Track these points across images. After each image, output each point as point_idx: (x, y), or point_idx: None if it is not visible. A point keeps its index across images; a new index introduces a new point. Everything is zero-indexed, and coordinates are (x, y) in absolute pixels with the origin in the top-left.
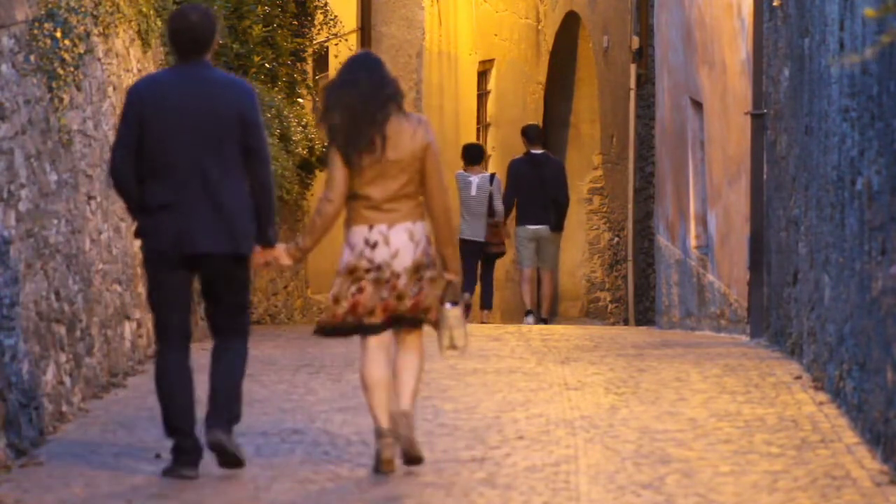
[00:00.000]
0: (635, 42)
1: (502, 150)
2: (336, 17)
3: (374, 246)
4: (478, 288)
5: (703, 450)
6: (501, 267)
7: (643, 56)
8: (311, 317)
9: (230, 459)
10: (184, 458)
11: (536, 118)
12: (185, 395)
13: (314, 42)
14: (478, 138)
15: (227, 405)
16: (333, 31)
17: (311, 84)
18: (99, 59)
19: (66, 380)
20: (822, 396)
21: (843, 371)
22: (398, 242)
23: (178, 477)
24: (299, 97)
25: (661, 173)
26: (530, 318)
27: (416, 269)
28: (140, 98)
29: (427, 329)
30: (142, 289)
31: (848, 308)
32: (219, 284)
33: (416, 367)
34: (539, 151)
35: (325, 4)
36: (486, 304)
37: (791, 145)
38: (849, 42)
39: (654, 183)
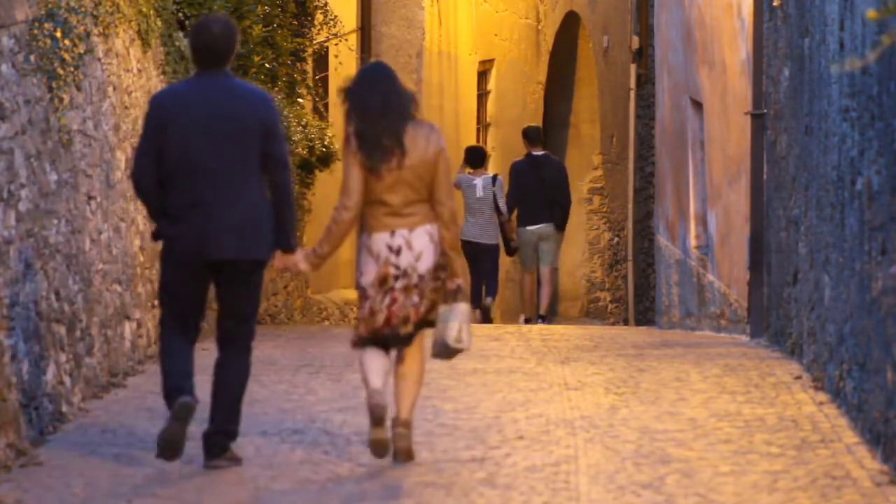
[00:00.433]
0: (635, 42)
1: (502, 151)
2: (336, 17)
3: (398, 251)
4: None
5: (703, 450)
6: (501, 267)
7: (643, 56)
8: (310, 317)
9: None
10: (181, 412)
11: (536, 118)
12: (187, 362)
13: (314, 42)
14: (478, 138)
15: (225, 424)
16: (333, 31)
17: (311, 84)
18: (99, 59)
19: (66, 380)
20: (822, 396)
21: (843, 371)
22: (420, 245)
23: (174, 420)
24: (299, 97)
25: (661, 173)
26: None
27: (436, 270)
28: (162, 108)
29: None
30: (142, 289)
31: (848, 308)
32: (234, 288)
33: (417, 374)
34: (540, 153)
35: (325, 4)
36: (490, 292)
37: (791, 145)
38: (849, 42)
39: (654, 183)
